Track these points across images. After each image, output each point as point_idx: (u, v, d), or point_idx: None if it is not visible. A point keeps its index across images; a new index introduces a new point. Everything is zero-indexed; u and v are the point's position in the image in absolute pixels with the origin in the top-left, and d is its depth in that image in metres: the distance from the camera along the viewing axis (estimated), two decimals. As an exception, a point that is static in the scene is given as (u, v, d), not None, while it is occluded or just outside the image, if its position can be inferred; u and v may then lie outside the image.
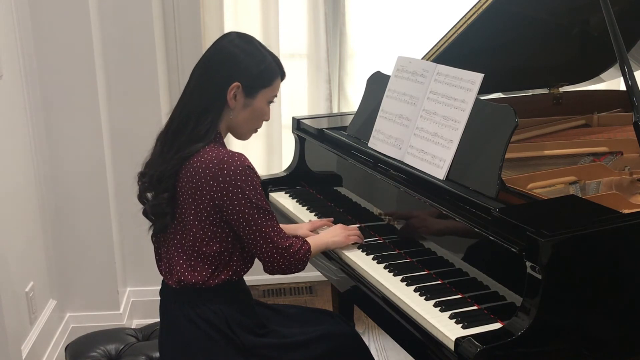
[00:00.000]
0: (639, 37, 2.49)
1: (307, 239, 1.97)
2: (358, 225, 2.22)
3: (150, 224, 1.91)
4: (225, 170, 1.75)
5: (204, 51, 3.14)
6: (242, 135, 1.94)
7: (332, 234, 2.05)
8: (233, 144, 3.22)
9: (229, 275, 1.85)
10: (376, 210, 2.18)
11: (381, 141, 2.18)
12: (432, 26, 3.20)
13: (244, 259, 1.87)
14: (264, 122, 1.97)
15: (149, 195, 1.88)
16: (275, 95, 1.92)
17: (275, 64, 1.88)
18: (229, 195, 1.76)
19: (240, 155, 1.79)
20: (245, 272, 1.90)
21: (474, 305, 1.71)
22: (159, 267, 1.93)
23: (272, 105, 1.96)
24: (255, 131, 1.95)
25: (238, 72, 1.82)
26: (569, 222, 1.60)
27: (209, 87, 1.82)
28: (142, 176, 1.89)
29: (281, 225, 2.20)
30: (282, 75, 1.91)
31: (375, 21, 3.38)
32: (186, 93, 1.86)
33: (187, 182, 1.80)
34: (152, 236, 1.93)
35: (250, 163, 1.80)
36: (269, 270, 1.87)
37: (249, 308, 1.93)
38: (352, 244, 2.07)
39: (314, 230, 2.16)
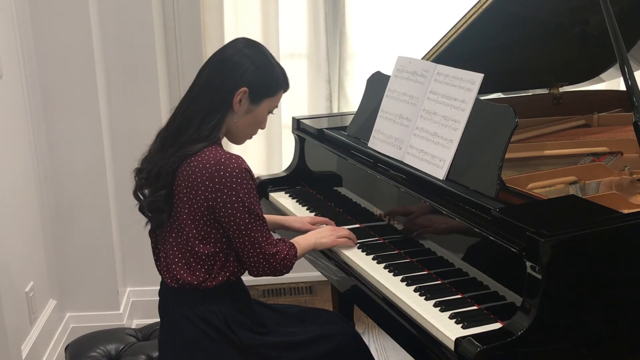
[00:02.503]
0: (639, 37, 2.49)
1: (294, 239, 1.98)
2: (358, 225, 2.22)
3: (147, 220, 1.91)
4: (221, 171, 1.75)
5: (204, 51, 3.19)
6: (238, 140, 1.96)
7: (320, 235, 2.05)
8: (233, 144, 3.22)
9: (227, 276, 1.85)
10: (376, 210, 2.18)
11: (381, 141, 2.18)
12: (432, 26, 3.20)
13: (240, 261, 1.87)
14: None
15: (146, 191, 1.89)
16: (277, 106, 1.96)
17: (282, 76, 1.91)
18: (223, 197, 1.76)
19: (238, 157, 1.80)
20: (242, 273, 1.90)
21: (474, 305, 1.71)
22: (157, 265, 1.94)
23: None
24: (250, 137, 1.97)
25: (247, 79, 1.83)
26: (569, 222, 1.60)
27: (217, 90, 1.83)
28: (139, 172, 1.90)
29: (278, 216, 2.21)
30: (286, 87, 1.94)
31: (375, 21, 3.38)
32: (192, 93, 1.87)
33: (183, 181, 1.80)
34: (149, 232, 1.94)
35: (247, 166, 1.80)
36: (253, 273, 1.87)
37: (247, 307, 1.93)
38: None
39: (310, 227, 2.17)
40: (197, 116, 1.82)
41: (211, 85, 1.84)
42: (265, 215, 1.88)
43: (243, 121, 1.88)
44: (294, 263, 1.91)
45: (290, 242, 1.93)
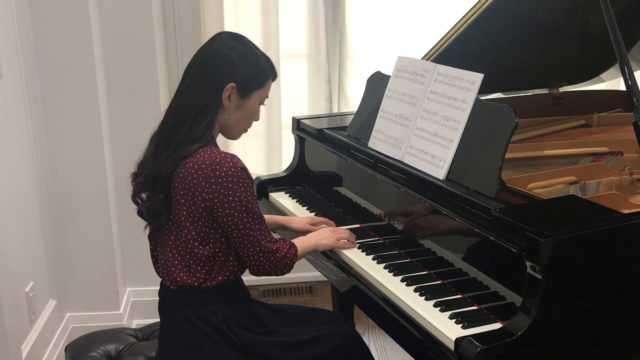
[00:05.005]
0: (639, 37, 2.49)
1: (294, 240, 1.97)
2: (358, 225, 2.22)
3: (146, 223, 1.91)
4: (217, 171, 1.75)
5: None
6: (233, 136, 1.94)
7: (321, 237, 2.05)
8: (233, 143, 3.21)
9: (226, 276, 1.85)
10: (376, 210, 2.18)
11: (381, 141, 2.18)
12: (432, 26, 3.20)
13: (240, 260, 1.87)
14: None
15: (143, 195, 1.88)
16: (267, 96, 1.93)
17: (268, 65, 1.89)
18: (220, 197, 1.75)
19: (233, 156, 1.79)
20: (242, 272, 1.90)
21: (474, 305, 1.71)
22: (155, 268, 1.94)
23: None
24: (245, 131, 1.95)
25: (233, 73, 1.82)
26: (569, 222, 1.61)
27: (205, 88, 1.82)
28: (135, 177, 1.89)
29: (278, 216, 2.21)
30: (274, 76, 1.92)
31: (375, 21, 3.37)
32: (180, 94, 1.86)
33: (180, 183, 1.79)
34: (149, 236, 1.93)
35: (243, 164, 1.80)
36: (254, 272, 1.87)
37: (247, 307, 1.93)
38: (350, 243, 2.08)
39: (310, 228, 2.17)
40: (188, 117, 1.81)
41: (198, 84, 1.83)
42: (264, 215, 1.88)
43: (235, 116, 1.87)
44: (294, 262, 1.91)
45: (291, 242, 1.93)
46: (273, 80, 1.93)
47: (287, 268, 1.89)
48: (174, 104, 1.86)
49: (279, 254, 1.85)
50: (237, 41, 1.86)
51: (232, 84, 1.81)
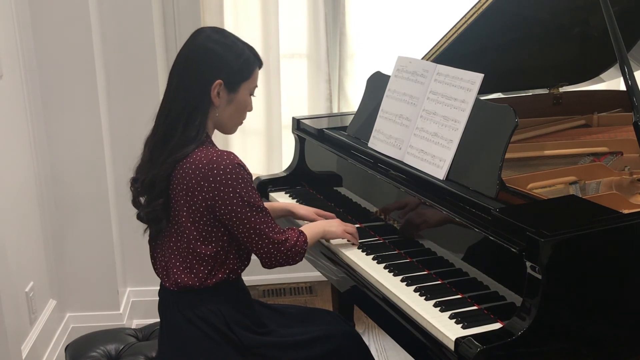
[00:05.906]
0: (639, 37, 2.49)
1: (303, 227, 1.97)
2: (358, 225, 2.22)
3: (146, 226, 1.91)
4: (215, 169, 1.75)
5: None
6: (229, 130, 1.93)
7: (330, 224, 2.06)
8: (233, 143, 3.21)
9: (226, 273, 1.85)
10: (376, 210, 2.18)
11: (381, 141, 2.18)
12: (432, 26, 3.20)
13: (240, 257, 1.87)
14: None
15: (142, 199, 1.88)
16: (256, 86, 1.91)
17: (253, 55, 1.88)
18: (221, 194, 1.75)
19: (229, 153, 1.79)
20: (242, 270, 1.90)
21: (474, 305, 1.71)
22: (155, 269, 1.93)
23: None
24: (241, 123, 1.94)
25: (219, 68, 1.81)
26: (569, 222, 1.61)
27: (193, 88, 1.81)
28: (134, 182, 1.89)
29: (284, 202, 2.19)
30: (260, 65, 1.90)
31: (375, 21, 3.38)
32: (169, 96, 1.84)
33: (179, 185, 1.79)
34: (149, 240, 1.93)
35: (240, 161, 1.80)
36: (266, 265, 1.87)
37: (247, 307, 1.93)
38: (351, 243, 2.08)
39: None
40: (180, 119, 1.80)
41: (185, 85, 1.81)
42: (271, 203, 1.86)
43: (227, 112, 1.86)
44: (306, 250, 1.90)
45: (299, 230, 1.93)
46: (259, 69, 1.91)
47: (299, 256, 1.89)
48: (164, 107, 1.84)
49: (289, 243, 1.85)
50: (220, 35, 1.85)
51: (219, 81, 1.80)
